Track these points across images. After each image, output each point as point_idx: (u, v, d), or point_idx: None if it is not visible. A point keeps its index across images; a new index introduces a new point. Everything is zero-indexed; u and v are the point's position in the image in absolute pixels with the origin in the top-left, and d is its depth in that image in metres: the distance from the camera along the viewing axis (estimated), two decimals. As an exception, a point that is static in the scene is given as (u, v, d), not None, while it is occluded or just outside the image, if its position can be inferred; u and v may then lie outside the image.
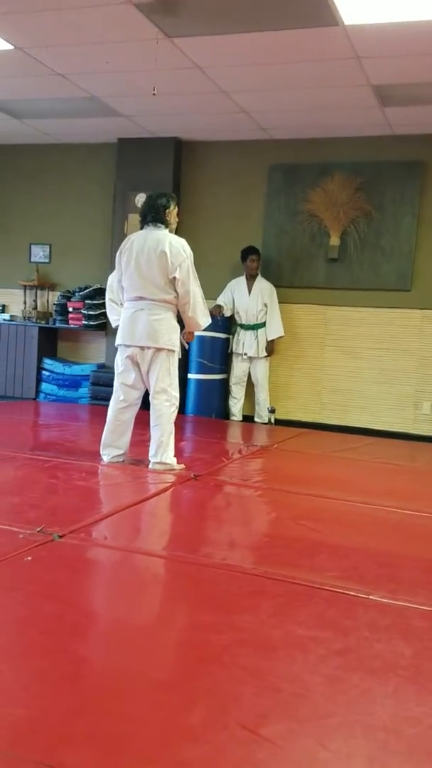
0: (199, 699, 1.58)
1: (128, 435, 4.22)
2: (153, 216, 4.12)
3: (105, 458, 4.19)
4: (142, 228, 4.18)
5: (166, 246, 4.00)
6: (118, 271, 4.18)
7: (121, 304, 4.26)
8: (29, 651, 1.81)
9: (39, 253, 7.66)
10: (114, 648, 1.87)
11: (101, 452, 4.21)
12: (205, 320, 4.28)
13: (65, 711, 1.51)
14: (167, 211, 4.14)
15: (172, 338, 4.14)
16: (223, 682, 1.67)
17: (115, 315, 4.33)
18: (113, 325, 4.39)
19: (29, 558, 2.44)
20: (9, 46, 4.87)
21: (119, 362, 4.21)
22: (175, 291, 4.07)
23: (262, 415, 6.69)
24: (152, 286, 4.05)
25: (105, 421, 4.27)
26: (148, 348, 4.09)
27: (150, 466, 4.08)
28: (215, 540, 2.94)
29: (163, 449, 4.07)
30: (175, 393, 4.15)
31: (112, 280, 4.29)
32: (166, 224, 4.14)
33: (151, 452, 4.10)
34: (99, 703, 1.55)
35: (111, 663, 1.77)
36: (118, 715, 1.50)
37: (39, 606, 2.11)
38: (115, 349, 4.33)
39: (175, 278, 4.02)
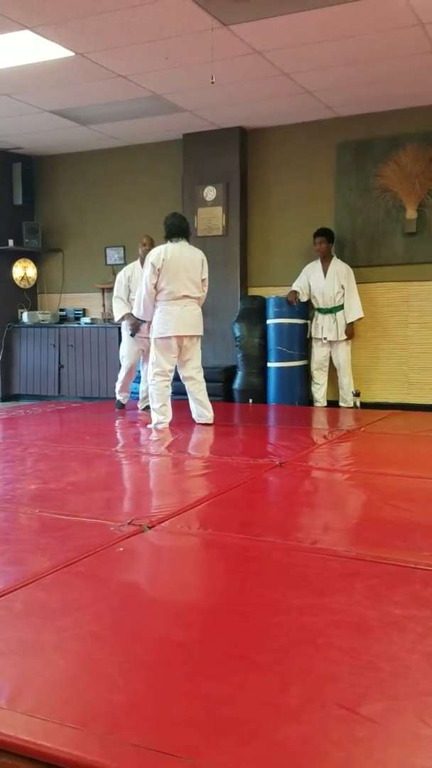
0: (296, 680, 1.56)
1: None
2: (184, 233, 5.26)
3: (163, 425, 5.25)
4: (170, 241, 5.20)
5: (201, 255, 5.29)
6: (154, 277, 5.13)
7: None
8: (124, 638, 1.83)
9: (114, 256, 7.81)
10: (208, 633, 1.87)
11: (166, 423, 5.26)
12: None
13: (163, 695, 1.52)
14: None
15: None
16: (319, 662, 1.64)
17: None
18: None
19: (121, 549, 2.48)
20: (70, 53, 4.96)
21: (170, 349, 5.22)
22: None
23: (346, 399, 6.58)
24: (194, 287, 5.22)
25: (172, 415, 5.26)
26: (194, 336, 5.28)
27: (207, 420, 5.32)
28: (305, 524, 2.90)
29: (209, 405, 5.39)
30: None
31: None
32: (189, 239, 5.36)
33: (208, 412, 5.34)
34: (196, 687, 1.55)
35: (206, 648, 1.77)
36: (214, 698, 1.50)
37: (133, 595, 2.14)
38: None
39: (203, 280, 5.30)
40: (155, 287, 5.14)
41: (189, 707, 1.46)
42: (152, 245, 5.80)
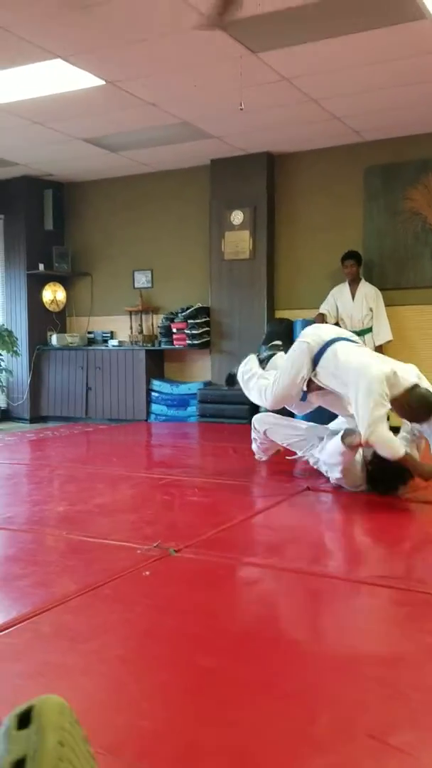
0: (325, 709, 1.53)
1: None
2: None
3: None
4: None
5: None
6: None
7: None
8: (152, 664, 1.82)
9: (142, 279, 7.88)
10: (236, 660, 1.84)
11: None
12: None
13: (191, 723, 1.50)
14: None
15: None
16: (349, 691, 1.61)
17: None
18: None
19: (147, 573, 2.47)
20: (101, 82, 5.06)
21: None
22: None
23: (374, 422, 6.51)
24: None
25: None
26: None
27: None
28: (335, 550, 2.87)
29: None
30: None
31: None
32: None
33: None
34: (224, 715, 1.53)
35: (234, 674, 1.75)
36: (243, 726, 1.47)
37: (159, 619, 2.13)
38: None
39: None
40: None
41: (217, 735, 1.44)
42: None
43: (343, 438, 3.56)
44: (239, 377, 4.32)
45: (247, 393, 4.27)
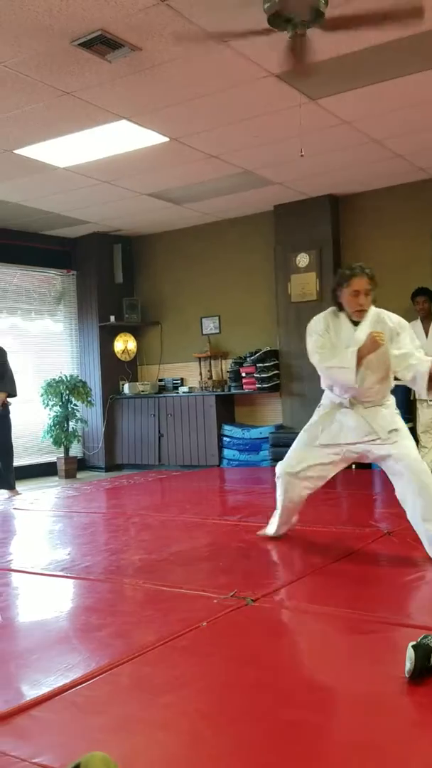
0: (416, 764, 1.45)
1: None
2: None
3: None
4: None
5: None
6: None
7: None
8: (232, 716, 1.77)
9: (210, 325, 7.98)
10: (320, 713, 1.78)
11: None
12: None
13: (273, 780, 1.45)
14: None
15: None
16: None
17: None
18: None
19: (204, 624, 2.41)
20: (164, 139, 5.23)
21: None
22: None
23: (455, 463, 6.30)
24: None
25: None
26: None
27: None
28: (418, 600, 2.75)
29: None
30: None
31: None
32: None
33: None
34: (308, 773, 1.48)
35: (318, 729, 1.68)
36: (328, 786, 1.41)
37: (238, 671, 2.08)
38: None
39: None
40: None
41: (302, 796, 1.38)
42: None
43: None
44: None
45: None
